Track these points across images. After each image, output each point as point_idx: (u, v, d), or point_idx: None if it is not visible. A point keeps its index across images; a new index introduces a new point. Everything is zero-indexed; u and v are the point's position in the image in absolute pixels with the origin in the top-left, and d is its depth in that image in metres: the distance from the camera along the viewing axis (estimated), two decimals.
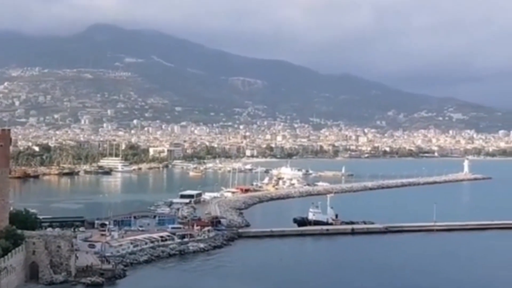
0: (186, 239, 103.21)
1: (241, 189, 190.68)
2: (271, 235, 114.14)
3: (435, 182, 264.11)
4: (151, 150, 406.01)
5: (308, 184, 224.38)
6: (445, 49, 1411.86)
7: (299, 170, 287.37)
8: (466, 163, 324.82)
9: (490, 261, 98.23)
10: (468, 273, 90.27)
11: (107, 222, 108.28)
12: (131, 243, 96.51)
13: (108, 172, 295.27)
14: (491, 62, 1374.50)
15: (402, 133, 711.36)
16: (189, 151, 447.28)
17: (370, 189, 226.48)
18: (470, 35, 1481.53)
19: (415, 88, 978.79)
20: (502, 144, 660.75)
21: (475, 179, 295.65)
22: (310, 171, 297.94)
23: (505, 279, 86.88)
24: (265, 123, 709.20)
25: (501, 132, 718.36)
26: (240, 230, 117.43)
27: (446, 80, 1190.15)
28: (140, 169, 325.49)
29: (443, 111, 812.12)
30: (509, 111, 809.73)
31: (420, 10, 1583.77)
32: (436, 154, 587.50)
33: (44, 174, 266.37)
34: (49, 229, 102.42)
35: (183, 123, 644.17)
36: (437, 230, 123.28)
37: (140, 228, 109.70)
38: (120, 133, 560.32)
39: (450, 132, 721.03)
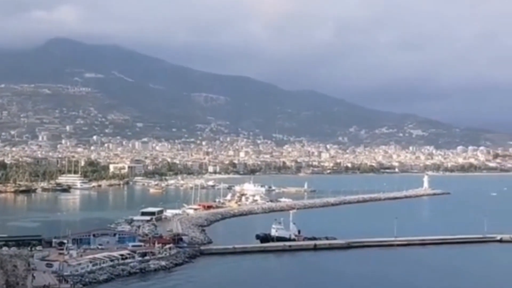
0: (147, 257, 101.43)
1: (204, 206, 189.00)
2: (234, 252, 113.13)
3: (395, 198, 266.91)
4: (111, 167, 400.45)
5: (271, 200, 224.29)
6: (405, 66, 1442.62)
7: (262, 186, 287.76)
8: (425, 179, 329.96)
9: (450, 275, 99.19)
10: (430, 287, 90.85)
11: (65, 241, 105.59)
12: (90, 262, 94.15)
13: (67, 189, 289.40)
14: (450, 80, 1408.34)
15: (363, 149, 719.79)
16: (150, 167, 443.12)
17: (333, 204, 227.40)
18: (429, 53, 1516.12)
19: (376, 104, 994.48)
20: (460, 160, 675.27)
21: (435, 194, 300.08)
22: (273, 187, 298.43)
23: None
24: (228, 139, 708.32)
25: (459, 148, 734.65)
26: (202, 247, 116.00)
27: (406, 97, 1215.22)
28: (99, 186, 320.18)
29: (403, 128, 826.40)
30: (467, 128, 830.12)
31: (382, 27, 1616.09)
32: (396, 169, 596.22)
33: (0, 192, 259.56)
34: (5, 248, 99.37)
35: (144, 139, 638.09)
36: (398, 245, 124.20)
37: (100, 247, 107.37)
38: (79, 149, 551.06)
39: (410, 148, 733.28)
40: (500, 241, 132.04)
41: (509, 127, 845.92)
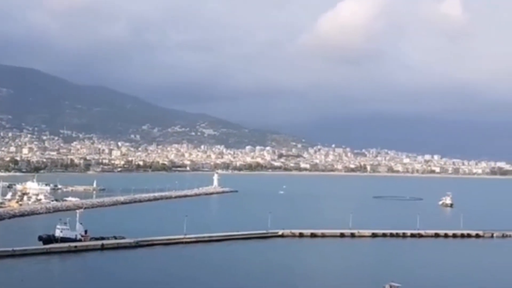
0: None
1: None
2: (13, 255, 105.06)
3: (186, 196, 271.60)
4: None
5: (57, 200, 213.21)
6: (198, 67, 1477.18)
7: (46, 184, 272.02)
8: (215, 177, 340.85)
9: (232, 270, 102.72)
10: (224, 282, 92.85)
11: None
12: None
13: None
14: (239, 83, 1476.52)
15: (156, 147, 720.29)
16: None
17: (123, 203, 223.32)
18: (219, 56, 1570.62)
19: (170, 103, 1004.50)
20: (248, 159, 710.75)
21: (224, 192, 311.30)
22: (59, 186, 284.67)
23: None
24: (10, 134, 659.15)
25: (247, 147, 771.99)
26: None
27: (200, 97, 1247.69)
28: None
29: (196, 127, 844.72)
30: (255, 128, 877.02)
31: (177, 26, 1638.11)
32: (188, 168, 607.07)
33: None
34: None
35: None
36: (187, 242, 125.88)
37: None
38: None
39: (202, 147, 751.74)
40: (282, 236, 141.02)
41: (292, 128, 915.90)
